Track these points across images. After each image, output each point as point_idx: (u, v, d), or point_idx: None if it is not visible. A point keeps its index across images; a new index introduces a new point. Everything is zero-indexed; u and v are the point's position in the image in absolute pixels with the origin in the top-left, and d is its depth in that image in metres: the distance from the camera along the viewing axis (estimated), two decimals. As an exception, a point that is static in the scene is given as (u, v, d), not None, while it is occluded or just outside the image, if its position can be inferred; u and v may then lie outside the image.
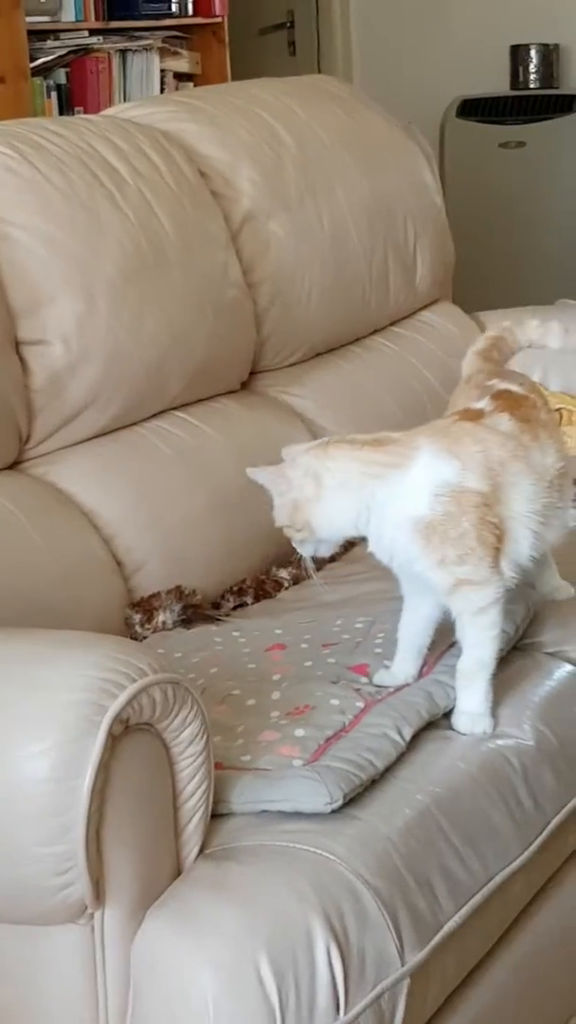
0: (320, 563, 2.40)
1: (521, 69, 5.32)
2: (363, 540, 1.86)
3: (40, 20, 4.22)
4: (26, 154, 2.30)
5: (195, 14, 4.66)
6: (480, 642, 1.84)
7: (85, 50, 4.39)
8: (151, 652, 1.58)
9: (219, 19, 4.70)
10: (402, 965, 1.57)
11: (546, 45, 5.30)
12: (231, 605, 2.32)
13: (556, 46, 5.32)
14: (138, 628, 2.18)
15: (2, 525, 2.09)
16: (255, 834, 1.63)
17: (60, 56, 4.34)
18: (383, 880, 1.59)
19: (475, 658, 1.85)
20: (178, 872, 1.58)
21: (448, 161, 5.25)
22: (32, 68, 4.17)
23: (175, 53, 4.67)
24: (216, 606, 2.31)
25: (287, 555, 2.21)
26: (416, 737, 1.81)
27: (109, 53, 4.43)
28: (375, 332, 3.00)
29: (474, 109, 5.29)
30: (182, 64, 4.69)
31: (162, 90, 4.56)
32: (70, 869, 1.46)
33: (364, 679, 1.91)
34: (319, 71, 5.54)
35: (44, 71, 4.30)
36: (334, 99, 3.06)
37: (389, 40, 5.64)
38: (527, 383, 2.01)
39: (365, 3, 5.70)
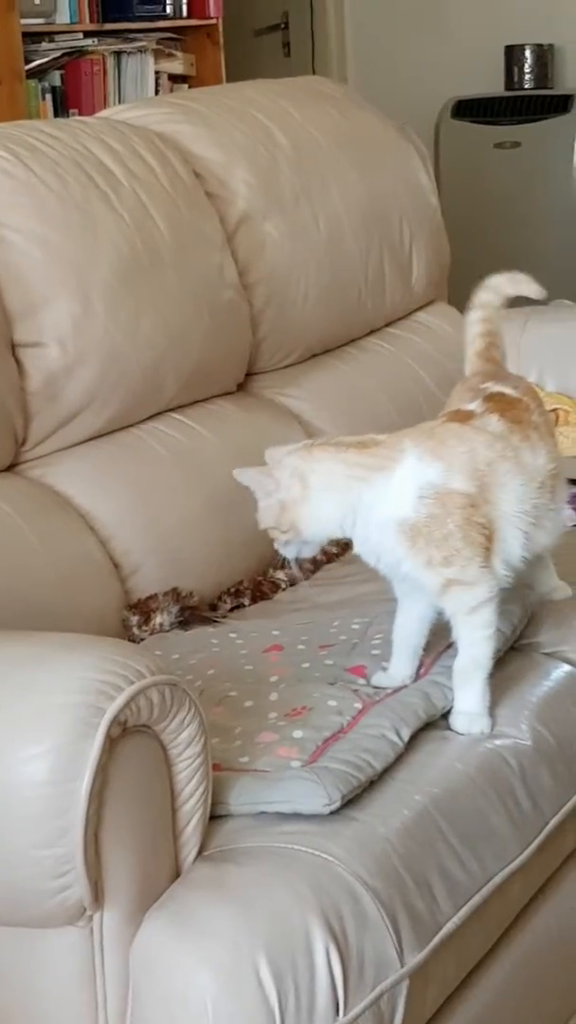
0: (317, 564, 2.40)
1: (516, 69, 5.33)
2: (348, 541, 1.87)
3: (35, 22, 4.22)
4: (21, 156, 2.30)
5: (190, 16, 4.66)
6: (475, 641, 1.84)
7: (80, 52, 4.39)
8: (148, 654, 1.58)
9: (214, 21, 4.70)
10: (401, 966, 1.57)
11: (540, 45, 5.30)
12: (228, 607, 2.32)
13: (550, 46, 5.33)
14: (135, 630, 2.18)
15: (-1, 528, 2.09)
16: (253, 836, 1.63)
17: (55, 58, 4.34)
18: (382, 881, 1.59)
19: (471, 657, 1.85)
20: (177, 874, 1.58)
21: (443, 162, 5.25)
22: (27, 70, 4.17)
23: (170, 55, 4.67)
24: (213, 608, 2.31)
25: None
26: (414, 738, 1.81)
27: (104, 55, 4.43)
28: (371, 333, 3.00)
29: (469, 109, 5.29)
30: (177, 66, 4.69)
31: (157, 92, 4.56)
32: (68, 871, 1.46)
33: (362, 681, 1.91)
34: (314, 72, 5.54)
35: (39, 73, 4.30)
36: (329, 100, 3.06)
37: (383, 41, 5.65)
38: (522, 385, 2.01)
39: (359, 4, 5.70)
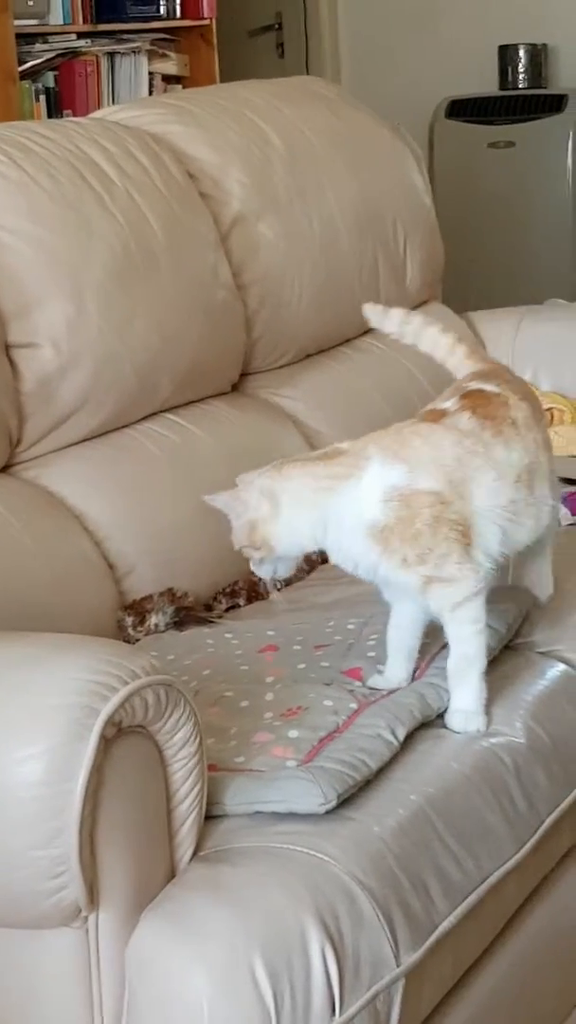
0: (312, 564, 2.40)
1: (510, 69, 5.33)
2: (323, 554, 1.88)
3: (28, 23, 4.22)
4: (15, 157, 2.29)
5: (183, 16, 4.66)
6: (463, 637, 1.85)
7: (73, 53, 4.38)
8: (143, 655, 1.58)
9: (207, 21, 4.70)
10: (397, 966, 1.57)
11: (534, 45, 5.31)
12: (223, 607, 2.32)
13: (544, 46, 5.33)
14: (130, 631, 2.18)
15: (-7, 529, 2.09)
16: (249, 836, 1.63)
17: (48, 59, 4.34)
18: (377, 881, 1.59)
19: (461, 654, 1.85)
20: (172, 874, 1.58)
21: (437, 161, 5.25)
22: (20, 71, 4.16)
23: (163, 55, 4.67)
24: (208, 608, 2.31)
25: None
26: (409, 737, 1.81)
27: (97, 56, 4.43)
28: (365, 333, 3.00)
29: (463, 109, 5.29)
30: (170, 66, 4.69)
31: (150, 92, 4.56)
32: (64, 872, 1.46)
33: (358, 683, 1.91)
34: (307, 73, 5.54)
35: (32, 74, 4.30)
36: (322, 100, 3.06)
37: (377, 41, 5.65)
38: (513, 383, 2.00)
39: (353, 4, 5.70)
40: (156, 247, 2.42)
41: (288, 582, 2.23)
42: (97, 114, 2.81)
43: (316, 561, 2.35)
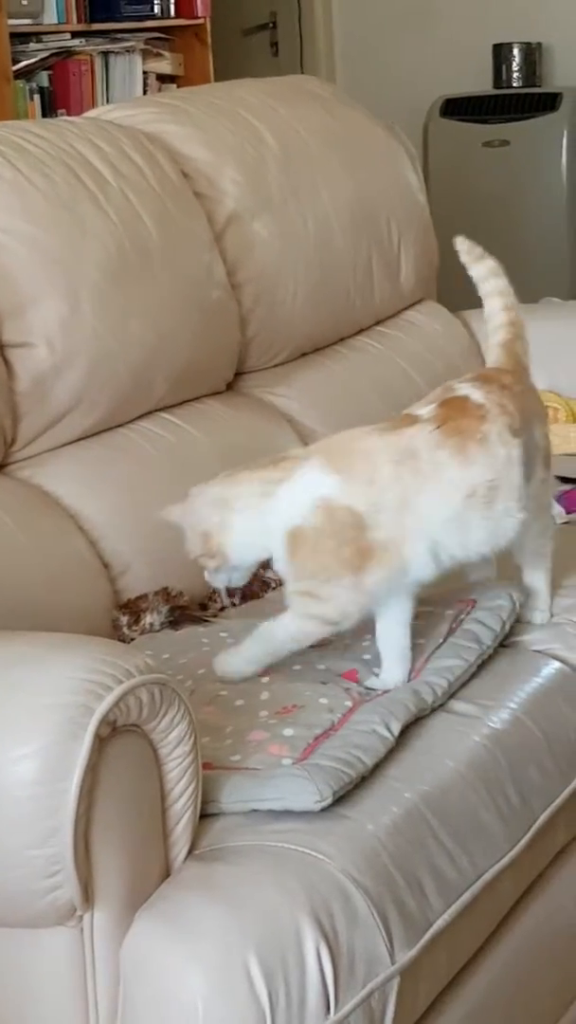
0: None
1: (504, 68, 5.33)
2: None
3: (22, 23, 4.21)
4: (9, 156, 2.29)
5: (177, 15, 4.66)
6: (283, 627, 1.87)
7: (67, 52, 4.38)
8: (138, 654, 1.58)
9: (201, 20, 4.69)
10: (392, 964, 1.57)
11: (528, 44, 5.31)
12: (219, 606, 2.32)
13: (539, 44, 5.33)
14: (125, 630, 2.18)
15: (-12, 528, 2.09)
16: (244, 834, 1.63)
17: (42, 59, 4.33)
18: (372, 879, 1.59)
19: (269, 630, 1.88)
20: (167, 873, 1.58)
21: (432, 160, 5.25)
22: (14, 71, 4.16)
23: (158, 55, 4.67)
24: (203, 607, 2.30)
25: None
26: (404, 735, 1.81)
27: (91, 55, 4.43)
28: (360, 332, 3.01)
29: (457, 108, 5.29)
30: (165, 66, 4.69)
31: (145, 92, 4.56)
32: (58, 872, 1.46)
33: (355, 684, 1.91)
34: (302, 71, 5.54)
35: (26, 74, 4.30)
36: (317, 99, 3.06)
37: (372, 40, 5.65)
38: (513, 390, 1.99)
39: (347, 3, 5.70)
40: (151, 246, 2.42)
41: (245, 596, 2.24)
42: (91, 113, 2.81)
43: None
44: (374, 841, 1.63)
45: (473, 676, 1.98)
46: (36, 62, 4.32)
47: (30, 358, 2.22)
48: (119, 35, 4.53)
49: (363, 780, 1.72)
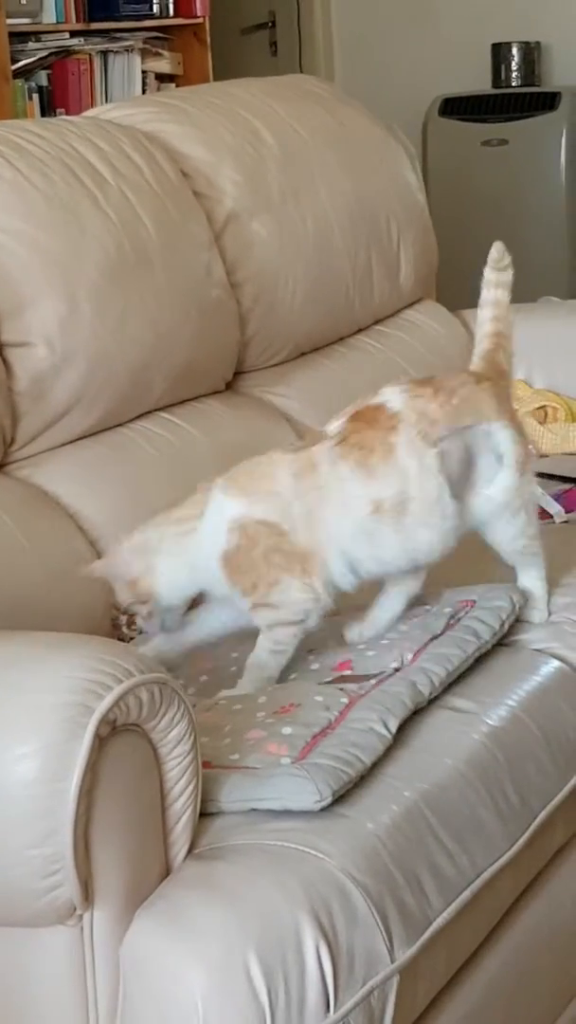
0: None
1: (503, 67, 5.33)
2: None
3: (21, 22, 4.22)
4: (7, 156, 2.30)
5: (176, 15, 4.66)
6: (264, 650, 1.92)
7: (66, 52, 4.38)
8: (138, 653, 1.58)
9: (200, 20, 4.70)
10: (391, 962, 1.57)
11: (527, 43, 5.31)
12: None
13: (537, 44, 5.33)
14: (125, 630, 2.18)
15: (-13, 528, 2.09)
16: (244, 833, 1.63)
17: (41, 58, 4.34)
18: (372, 878, 1.59)
19: (255, 658, 1.92)
20: (167, 872, 1.58)
21: (431, 160, 5.25)
22: (13, 70, 4.17)
23: (156, 54, 4.67)
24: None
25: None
26: (402, 733, 1.81)
27: (90, 54, 4.43)
28: (359, 331, 3.01)
29: (456, 107, 5.29)
30: (163, 65, 4.69)
31: (144, 91, 4.57)
32: (58, 871, 1.46)
33: (348, 671, 1.92)
34: (301, 71, 5.54)
35: (25, 73, 4.30)
36: (316, 98, 3.06)
37: (370, 39, 5.65)
38: (453, 398, 1.97)
39: (346, 2, 5.70)
40: (149, 246, 2.42)
41: None
42: (90, 113, 2.81)
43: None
44: (373, 840, 1.64)
45: (472, 673, 1.98)
46: (35, 61, 4.32)
47: (29, 358, 2.22)
48: (118, 34, 4.53)
49: (362, 779, 1.72)
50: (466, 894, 1.71)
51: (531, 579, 2.13)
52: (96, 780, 1.47)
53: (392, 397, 1.97)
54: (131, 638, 2.16)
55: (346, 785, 1.68)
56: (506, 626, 2.06)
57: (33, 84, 4.32)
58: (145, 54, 4.60)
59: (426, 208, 3.20)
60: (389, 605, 2.04)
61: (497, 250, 2.15)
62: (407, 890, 1.63)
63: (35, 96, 4.31)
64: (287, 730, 1.75)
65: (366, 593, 2.04)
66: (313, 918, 1.52)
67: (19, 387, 2.22)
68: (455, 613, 2.05)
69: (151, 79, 4.64)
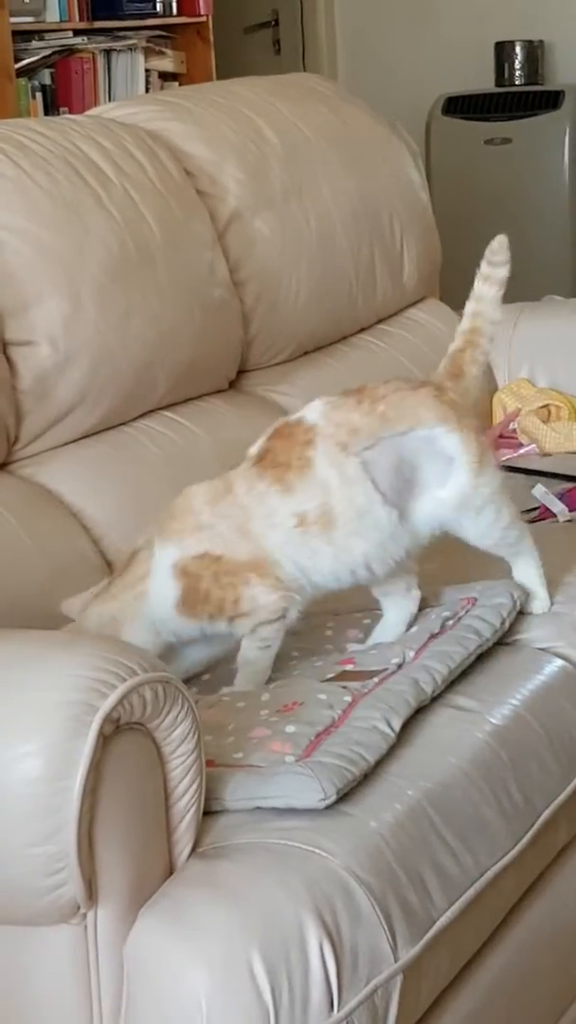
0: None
1: (506, 66, 5.33)
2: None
3: (24, 20, 4.22)
4: (11, 154, 2.30)
5: (179, 13, 4.66)
6: (250, 649, 1.93)
7: (69, 50, 4.39)
8: (141, 651, 1.58)
9: (203, 18, 4.70)
10: (395, 961, 1.57)
11: (531, 41, 5.31)
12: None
13: (540, 42, 5.33)
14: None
15: (-9, 526, 2.09)
16: (247, 832, 1.63)
17: (45, 56, 4.34)
18: (375, 876, 1.59)
19: (243, 656, 1.93)
20: (170, 871, 1.58)
21: (434, 158, 5.25)
22: (17, 69, 4.17)
23: (160, 53, 4.67)
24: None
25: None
26: (406, 732, 1.81)
27: (94, 53, 4.43)
28: (362, 330, 3.00)
29: (459, 106, 5.29)
30: (167, 63, 4.69)
31: (147, 90, 4.57)
32: (62, 869, 1.46)
33: (350, 667, 1.92)
34: (304, 69, 5.54)
35: (29, 72, 4.30)
36: (319, 97, 3.06)
37: (374, 38, 5.65)
38: (382, 407, 1.96)
39: (349, 1, 5.70)
40: (153, 244, 2.42)
41: None
42: (94, 111, 2.81)
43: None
44: (377, 838, 1.63)
45: (475, 672, 1.98)
46: (38, 60, 4.32)
47: (33, 356, 2.22)
48: (121, 33, 4.53)
49: (365, 777, 1.72)
50: (470, 893, 1.70)
51: (523, 570, 2.12)
52: (100, 778, 1.47)
53: (311, 411, 1.97)
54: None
55: (350, 783, 1.68)
56: (507, 623, 2.06)
57: (36, 83, 4.32)
58: (148, 53, 4.60)
59: (429, 207, 3.20)
60: (386, 634, 2.03)
61: (497, 243, 2.13)
62: (411, 889, 1.63)
63: (38, 95, 4.32)
64: (291, 728, 1.75)
65: (366, 593, 2.03)
66: (317, 917, 1.52)
67: (23, 386, 2.22)
68: (456, 611, 2.05)
69: (154, 78, 4.65)
